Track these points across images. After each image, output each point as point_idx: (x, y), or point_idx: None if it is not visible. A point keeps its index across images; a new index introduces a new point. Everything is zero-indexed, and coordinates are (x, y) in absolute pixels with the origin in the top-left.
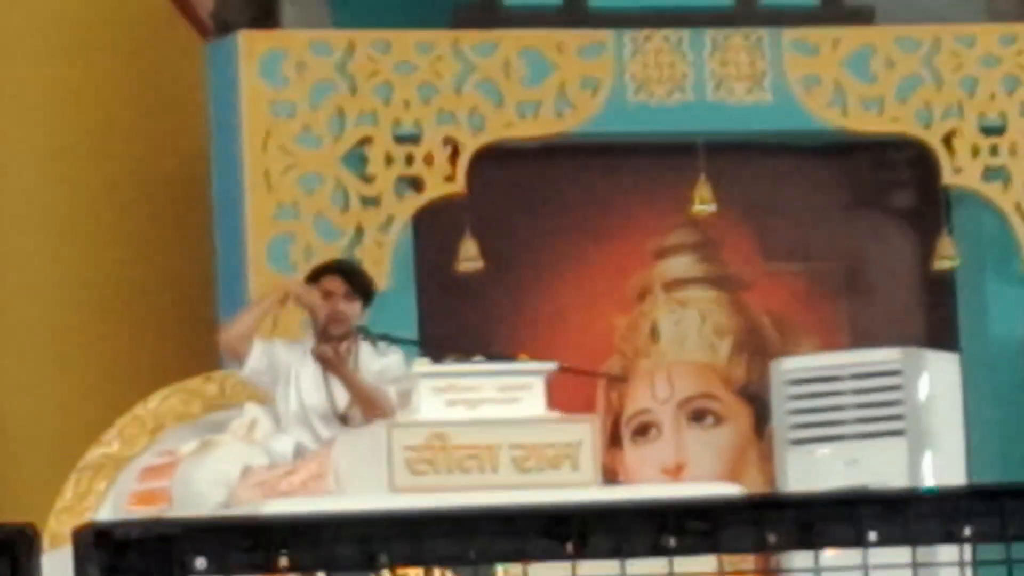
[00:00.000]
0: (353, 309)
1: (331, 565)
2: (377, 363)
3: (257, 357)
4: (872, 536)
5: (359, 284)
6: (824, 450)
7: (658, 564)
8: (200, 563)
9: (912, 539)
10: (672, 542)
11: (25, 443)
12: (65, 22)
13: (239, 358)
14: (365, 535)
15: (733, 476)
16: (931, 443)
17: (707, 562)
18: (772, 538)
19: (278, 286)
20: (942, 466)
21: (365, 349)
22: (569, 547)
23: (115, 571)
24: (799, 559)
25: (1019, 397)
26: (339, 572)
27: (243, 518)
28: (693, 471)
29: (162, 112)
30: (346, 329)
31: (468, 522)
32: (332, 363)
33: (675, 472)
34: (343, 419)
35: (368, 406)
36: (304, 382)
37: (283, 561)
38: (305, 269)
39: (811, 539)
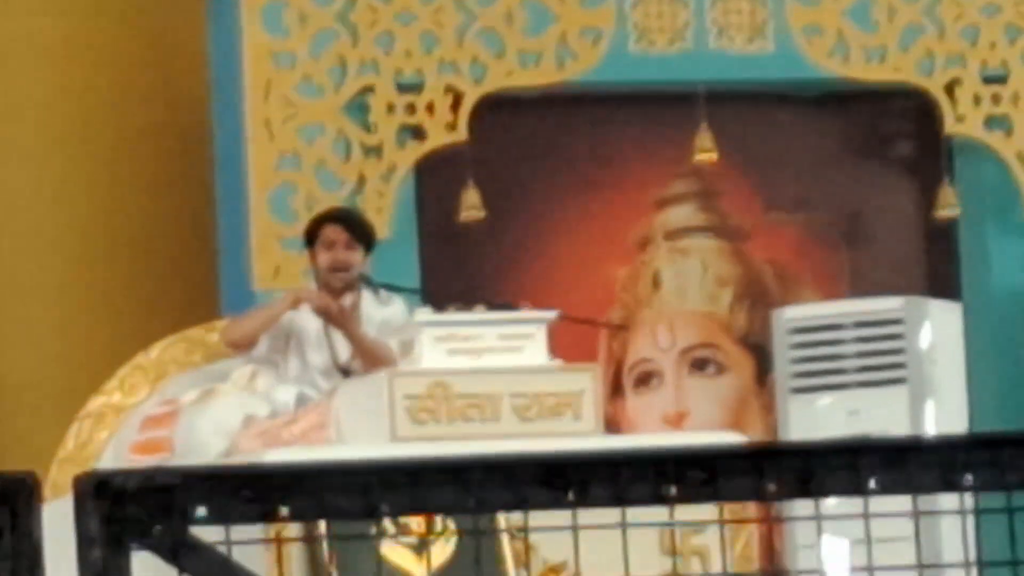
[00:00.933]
0: (355, 257)
1: (332, 514)
2: (379, 312)
3: (260, 348)
4: (872, 484)
5: (360, 232)
6: (825, 399)
7: (658, 512)
8: (200, 512)
9: (913, 488)
10: (672, 491)
11: (27, 392)
12: None
13: (240, 353)
14: (366, 484)
15: (734, 425)
16: (932, 392)
17: (708, 510)
18: (772, 487)
19: (288, 292)
20: (943, 415)
21: (367, 298)
22: (569, 496)
23: (115, 520)
24: (800, 507)
25: (1021, 346)
26: (340, 521)
27: (244, 467)
28: (694, 420)
29: (164, 61)
30: (349, 278)
31: (468, 471)
32: (335, 318)
33: (676, 421)
34: (344, 371)
35: (371, 360)
36: (306, 337)
37: (284, 511)
38: (306, 218)
39: (811, 488)
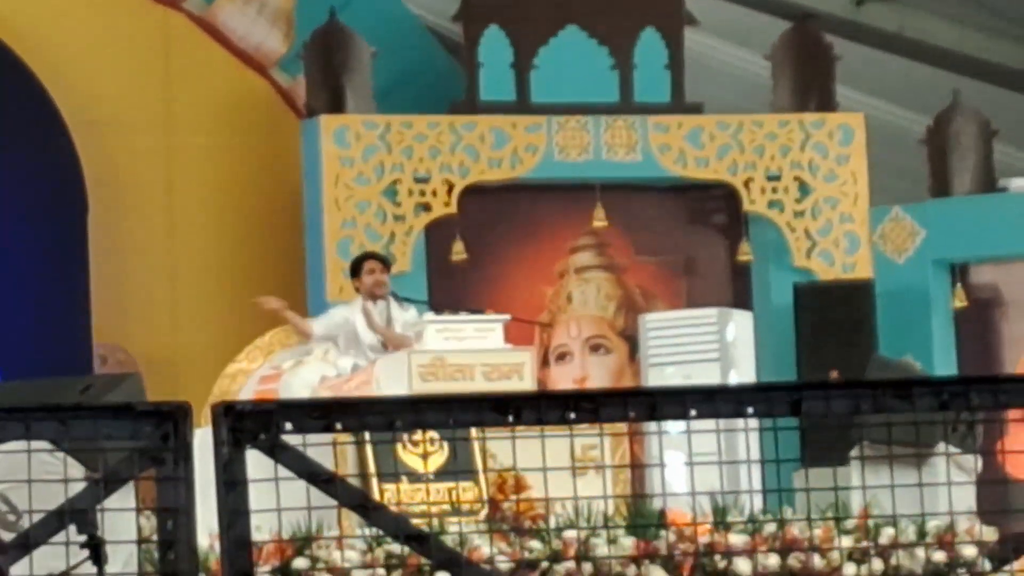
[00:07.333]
0: (386, 278)
1: (366, 428)
2: (402, 315)
3: (320, 331)
4: (693, 413)
5: (387, 265)
6: (670, 370)
7: (563, 430)
8: (288, 426)
9: (718, 415)
10: (572, 415)
11: (191, 363)
12: (221, 110)
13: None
14: (386, 410)
15: (616, 386)
16: (735, 366)
17: (592, 428)
18: (632, 414)
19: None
20: (740, 380)
21: (394, 305)
22: (509, 418)
23: (236, 430)
24: (651, 426)
25: (787, 339)
26: (372, 432)
27: (313, 400)
28: (592, 382)
29: (275, 164)
30: (385, 291)
31: (448, 403)
32: (373, 322)
33: (581, 383)
34: (384, 348)
35: (395, 343)
36: (359, 326)
37: (338, 426)
38: None
39: (655, 414)
